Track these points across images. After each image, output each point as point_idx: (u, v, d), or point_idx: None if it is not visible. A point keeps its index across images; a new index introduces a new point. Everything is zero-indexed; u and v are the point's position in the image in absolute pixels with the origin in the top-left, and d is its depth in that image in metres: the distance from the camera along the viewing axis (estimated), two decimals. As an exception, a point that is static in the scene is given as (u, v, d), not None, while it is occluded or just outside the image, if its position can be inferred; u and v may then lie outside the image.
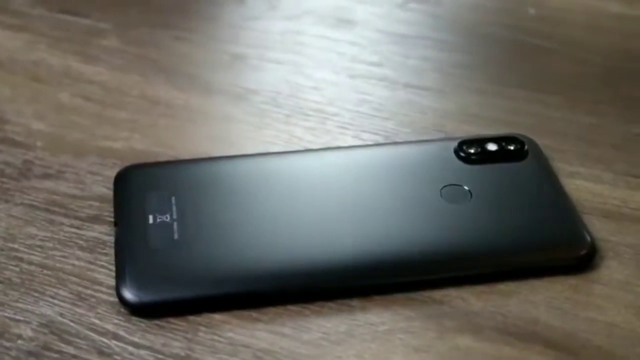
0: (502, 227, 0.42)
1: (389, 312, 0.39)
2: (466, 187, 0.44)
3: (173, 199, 0.42)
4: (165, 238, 0.40)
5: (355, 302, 0.39)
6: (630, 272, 0.41)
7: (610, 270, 0.41)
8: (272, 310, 0.39)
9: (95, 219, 0.43)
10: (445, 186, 0.44)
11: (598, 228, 0.43)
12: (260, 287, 0.39)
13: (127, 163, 0.45)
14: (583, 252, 0.41)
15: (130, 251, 0.40)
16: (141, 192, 0.43)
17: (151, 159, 0.46)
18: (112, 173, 0.45)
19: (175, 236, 0.40)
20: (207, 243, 0.40)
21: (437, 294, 0.40)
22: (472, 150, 0.46)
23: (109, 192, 0.44)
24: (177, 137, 0.48)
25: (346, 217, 0.42)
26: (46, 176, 0.45)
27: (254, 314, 0.39)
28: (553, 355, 0.37)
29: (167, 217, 0.41)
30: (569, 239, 0.42)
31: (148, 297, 0.38)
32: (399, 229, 0.41)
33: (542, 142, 0.47)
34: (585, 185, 0.46)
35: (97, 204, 0.44)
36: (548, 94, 0.53)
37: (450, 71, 0.54)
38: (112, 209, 0.43)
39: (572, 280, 0.41)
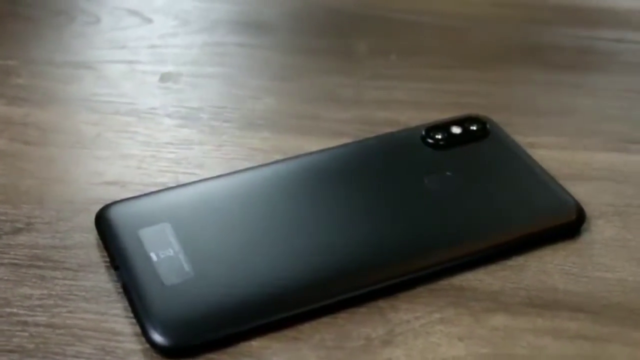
0: (494, 204, 0.43)
1: (419, 307, 0.39)
2: (448, 173, 0.44)
3: (168, 231, 0.41)
4: (177, 273, 0.39)
5: (382, 303, 0.39)
6: (619, 228, 0.43)
7: (601, 229, 0.43)
8: (306, 326, 0.38)
9: (87, 267, 0.40)
10: (427, 175, 0.44)
11: (574, 192, 0.44)
12: (293, 305, 0.38)
13: (93, 203, 0.43)
14: (574, 216, 0.43)
15: (146, 293, 0.38)
16: (132, 229, 0.41)
17: (122, 195, 0.44)
18: (86, 216, 0.42)
19: (187, 268, 0.39)
20: (222, 269, 0.39)
21: (456, 280, 0.40)
22: (439, 136, 0.47)
23: (90, 237, 0.42)
24: (139, 168, 0.46)
25: (347, 219, 0.42)
26: (17, 231, 0.42)
27: (289, 333, 0.38)
28: (582, 317, 0.39)
29: (170, 251, 0.40)
30: (558, 206, 0.43)
31: (184, 337, 0.36)
32: (402, 224, 0.42)
33: (494, 118, 0.48)
34: (547, 154, 0.47)
35: (82, 251, 0.41)
36: (480, 71, 0.54)
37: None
38: (100, 254, 0.41)
39: (571, 245, 0.42)
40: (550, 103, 0.52)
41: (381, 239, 0.41)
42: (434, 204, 0.43)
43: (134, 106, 0.50)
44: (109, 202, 0.42)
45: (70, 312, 0.38)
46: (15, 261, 0.40)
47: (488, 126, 0.48)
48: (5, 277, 0.40)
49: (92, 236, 0.42)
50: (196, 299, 0.38)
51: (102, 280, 0.40)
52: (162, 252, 0.40)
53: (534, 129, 0.50)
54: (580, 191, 0.45)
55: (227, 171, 0.45)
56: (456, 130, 0.47)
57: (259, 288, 0.38)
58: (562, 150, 0.48)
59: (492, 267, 0.41)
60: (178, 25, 0.58)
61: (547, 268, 0.41)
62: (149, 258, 0.39)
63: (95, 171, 0.46)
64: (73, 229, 0.42)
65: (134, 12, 0.59)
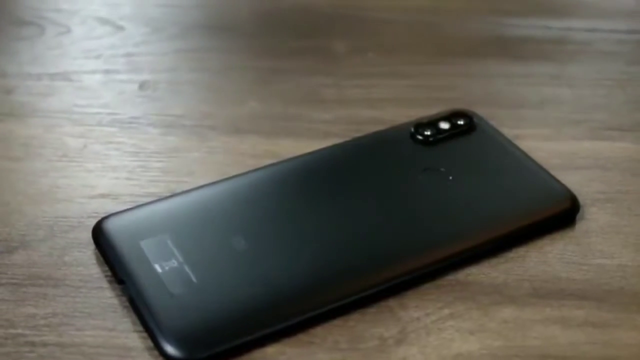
0: (491, 197, 0.43)
1: (428, 303, 0.39)
2: (442, 169, 0.45)
3: (169, 241, 0.40)
4: (184, 283, 0.38)
5: (391, 302, 0.39)
6: (612, 214, 0.44)
7: (595, 216, 0.44)
8: (318, 330, 0.38)
9: (89, 283, 0.40)
10: (421, 171, 0.44)
11: (564, 182, 0.45)
12: (306, 309, 0.38)
13: (87, 217, 0.42)
14: (569, 205, 0.43)
15: (156, 306, 0.37)
16: (133, 242, 0.40)
17: (116, 207, 0.43)
18: (82, 230, 0.42)
19: (193, 278, 0.38)
20: (229, 276, 0.39)
21: (460, 275, 0.41)
22: (428, 132, 0.47)
23: (88, 251, 0.41)
24: (129, 179, 0.45)
25: (349, 220, 0.42)
26: (12, 250, 0.41)
27: (303, 337, 0.38)
28: (587, 305, 0.39)
29: (174, 262, 0.39)
30: (552, 196, 0.44)
31: (198, 348, 0.36)
32: (403, 221, 0.42)
33: (477, 112, 0.49)
34: (534, 145, 0.48)
35: (81, 267, 0.40)
36: (458, 66, 0.55)
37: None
38: (101, 269, 0.40)
39: (568, 234, 0.43)
40: (530, 95, 0.52)
41: (385, 237, 0.41)
42: (432, 200, 0.43)
43: (116, 116, 0.50)
44: (103, 215, 0.42)
45: (77, 330, 0.38)
46: (14, 281, 0.40)
47: (475, 120, 0.48)
48: (6, 298, 0.39)
49: (90, 251, 0.41)
50: (207, 308, 0.37)
51: (107, 295, 0.39)
52: (166, 263, 0.39)
53: (517, 121, 0.50)
54: (570, 180, 0.45)
55: (219, 178, 0.44)
56: (444, 125, 0.47)
57: (268, 293, 0.38)
58: (547, 141, 0.49)
59: (495, 260, 0.41)
60: (150, 33, 0.57)
61: (547, 258, 0.41)
62: (153, 270, 0.39)
63: (85, 184, 0.45)
64: (70, 245, 0.41)
65: (104, 21, 0.58)
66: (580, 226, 0.43)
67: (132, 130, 0.49)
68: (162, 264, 0.39)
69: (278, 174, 0.44)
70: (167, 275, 0.38)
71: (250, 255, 0.40)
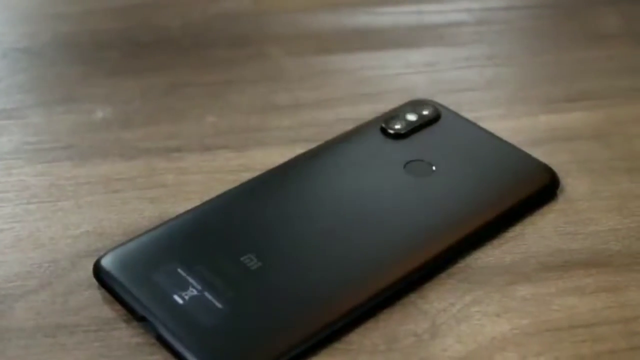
0: (477, 181, 0.44)
1: (448, 294, 0.40)
2: (422, 159, 0.45)
3: (179, 269, 0.39)
4: (210, 311, 0.37)
5: (412, 298, 0.39)
6: (589, 183, 0.46)
7: (574, 187, 0.46)
8: (352, 336, 0.38)
9: (106, 325, 0.38)
10: (404, 165, 0.45)
11: (536, 157, 0.46)
12: (338, 317, 0.37)
13: (81, 257, 0.40)
14: (550, 179, 0.45)
15: (188, 339, 0.36)
16: (143, 276, 0.38)
17: (105, 243, 0.41)
18: (80, 271, 0.40)
19: (218, 305, 0.37)
20: (252, 297, 0.38)
21: (469, 261, 0.41)
22: (398, 126, 0.47)
23: (93, 292, 0.39)
24: (110, 212, 0.43)
25: (350, 221, 0.42)
26: (11, 304, 0.39)
27: (339, 346, 0.37)
28: (594, 271, 0.41)
29: (193, 291, 0.38)
30: (533, 172, 0.45)
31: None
32: (405, 215, 0.42)
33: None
34: (492, 126, 0.49)
35: (92, 309, 0.39)
36: (395, 56, 0.56)
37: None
38: (111, 308, 0.38)
39: (555, 207, 0.44)
40: (474, 78, 0.54)
41: (392, 233, 0.41)
42: (423, 191, 0.44)
43: (74, 149, 0.47)
44: (94, 253, 0.40)
45: (110, 376, 0.36)
46: (24, 335, 0.37)
47: (438, 108, 0.49)
48: (21, 355, 0.36)
49: (94, 291, 0.39)
50: (239, 333, 0.36)
51: (128, 334, 0.37)
52: (185, 293, 0.38)
53: (472, 105, 0.51)
54: (538, 155, 0.47)
55: (203, 198, 0.43)
56: (411, 117, 0.48)
57: (297, 308, 0.38)
58: (504, 120, 0.50)
59: (496, 242, 0.42)
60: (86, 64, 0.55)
61: (544, 233, 0.43)
62: (174, 302, 0.37)
63: (67, 223, 0.43)
64: (70, 289, 0.39)
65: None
66: (564, 198, 0.45)
67: (96, 160, 0.46)
68: (181, 294, 0.38)
69: (267, 186, 0.44)
70: (189, 306, 0.37)
71: (267, 271, 0.39)
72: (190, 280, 0.38)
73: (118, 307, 0.38)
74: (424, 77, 0.54)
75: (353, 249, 0.40)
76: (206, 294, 0.38)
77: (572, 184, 0.46)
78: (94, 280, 0.39)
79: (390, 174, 0.44)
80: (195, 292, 0.38)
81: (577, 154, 0.48)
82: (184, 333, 0.36)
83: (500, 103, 0.52)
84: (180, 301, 0.37)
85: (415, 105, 0.49)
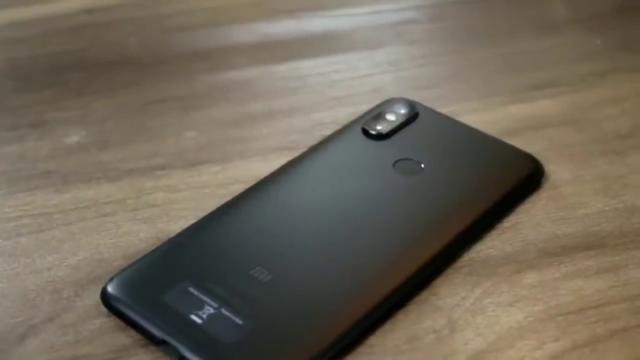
0: (466, 175, 0.45)
1: (458, 288, 0.40)
2: (410, 158, 0.46)
3: (191, 288, 0.38)
4: (232, 328, 0.37)
5: (424, 295, 0.40)
6: (570, 168, 0.47)
7: (557, 174, 0.47)
8: (372, 339, 0.38)
9: (124, 352, 0.37)
10: (393, 165, 0.45)
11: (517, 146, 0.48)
12: (358, 320, 0.38)
13: (84, 284, 0.40)
14: (535, 168, 0.46)
15: (216, 358, 0.36)
16: (155, 298, 0.38)
17: (105, 269, 0.41)
18: (86, 299, 0.39)
19: (239, 321, 0.37)
20: (270, 311, 0.37)
21: (473, 254, 0.42)
22: (379, 127, 0.48)
23: (103, 319, 0.38)
24: (108, 237, 0.43)
25: (355, 225, 0.42)
26: (23, 337, 0.38)
27: (362, 350, 0.37)
28: (593, 253, 0.42)
29: (210, 309, 0.37)
30: (518, 162, 0.46)
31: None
32: (405, 213, 0.43)
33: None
34: (469, 119, 0.50)
35: (105, 337, 0.38)
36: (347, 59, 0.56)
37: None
38: (126, 334, 0.38)
39: (543, 195, 0.45)
40: (444, 72, 0.55)
41: (397, 232, 0.41)
42: (417, 189, 0.44)
43: (55, 175, 0.46)
44: (96, 279, 0.40)
45: (138, 403, 0.35)
46: (43, 370, 0.36)
47: (415, 106, 0.49)
48: (42, 392, 0.35)
49: (104, 319, 0.38)
50: (265, 347, 0.36)
51: (148, 359, 0.37)
52: (202, 311, 0.37)
53: (443, 101, 0.52)
54: (517, 145, 0.48)
55: (197, 212, 0.43)
56: (390, 117, 0.48)
57: (317, 316, 0.37)
58: (477, 113, 0.51)
59: (494, 233, 0.43)
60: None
61: (538, 220, 0.44)
62: (193, 322, 0.37)
63: (62, 251, 0.42)
64: (80, 318, 0.38)
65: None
66: (549, 185, 0.46)
67: (80, 185, 0.45)
68: (198, 314, 0.37)
69: (262, 197, 0.43)
70: (209, 324, 0.37)
71: (279, 282, 0.39)
72: (204, 298, 0.38)
73: (132, 332, 0.37)
74: (391, 77, 0.54)
75: (360, 251, 0.40)
76: (223, 310, 0.37)
77: (555, 171, 0.47)
78: (102, 308, 0.38)
79: (381, 174, 0.45)
80: (212, 310, 0.37)
81: (553, 141, 0.49)
82: (209, 352, 0.36)
83: (468, 97, 0.53)
84: (198, 321, 0.37)
85: (391, 104, 0.49)
